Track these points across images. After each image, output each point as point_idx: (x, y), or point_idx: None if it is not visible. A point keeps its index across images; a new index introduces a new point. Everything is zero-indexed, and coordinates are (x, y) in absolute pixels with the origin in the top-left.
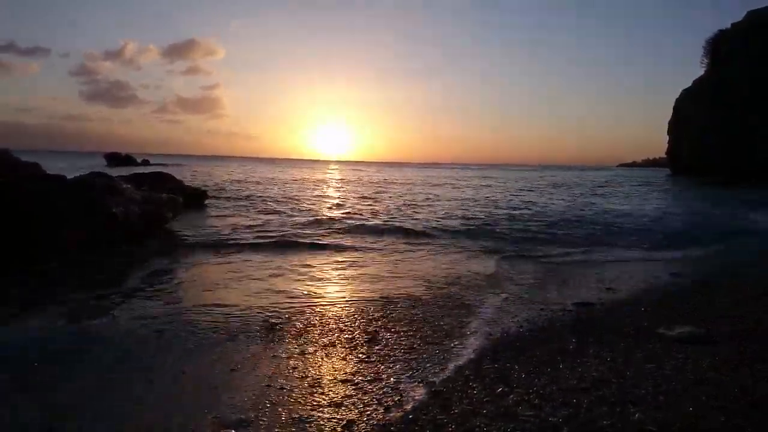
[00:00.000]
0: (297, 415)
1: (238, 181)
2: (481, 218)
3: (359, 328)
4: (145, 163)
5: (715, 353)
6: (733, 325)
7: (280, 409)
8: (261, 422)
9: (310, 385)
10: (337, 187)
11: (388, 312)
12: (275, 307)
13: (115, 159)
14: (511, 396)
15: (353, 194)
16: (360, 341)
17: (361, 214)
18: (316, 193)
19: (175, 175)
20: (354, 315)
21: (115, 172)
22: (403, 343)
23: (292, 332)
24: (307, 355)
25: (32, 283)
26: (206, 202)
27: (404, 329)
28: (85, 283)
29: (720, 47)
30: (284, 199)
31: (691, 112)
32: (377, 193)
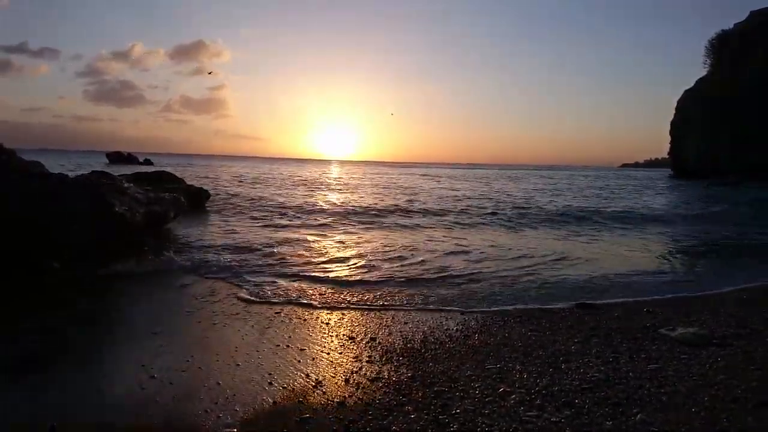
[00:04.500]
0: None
1: (240, 182)
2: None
3: (361, 328)
4: (147, 162)
5: (720, 354)
6: (738, 327)
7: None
8: None
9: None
10: (343, 189)
11: (387, 316)
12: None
13: (118, 158)
14: (514, 396)
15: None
16: (360, 341)
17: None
18: (323, 196)
19: (178, 175)
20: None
21: (116, 171)
22: (398, 343)
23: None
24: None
25: (33, 286)
26: (209, 201)
27: (405, 328)
28: (85, 288)
29: (722, 47)
30: (283, 200)
31: (693, 113)
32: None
